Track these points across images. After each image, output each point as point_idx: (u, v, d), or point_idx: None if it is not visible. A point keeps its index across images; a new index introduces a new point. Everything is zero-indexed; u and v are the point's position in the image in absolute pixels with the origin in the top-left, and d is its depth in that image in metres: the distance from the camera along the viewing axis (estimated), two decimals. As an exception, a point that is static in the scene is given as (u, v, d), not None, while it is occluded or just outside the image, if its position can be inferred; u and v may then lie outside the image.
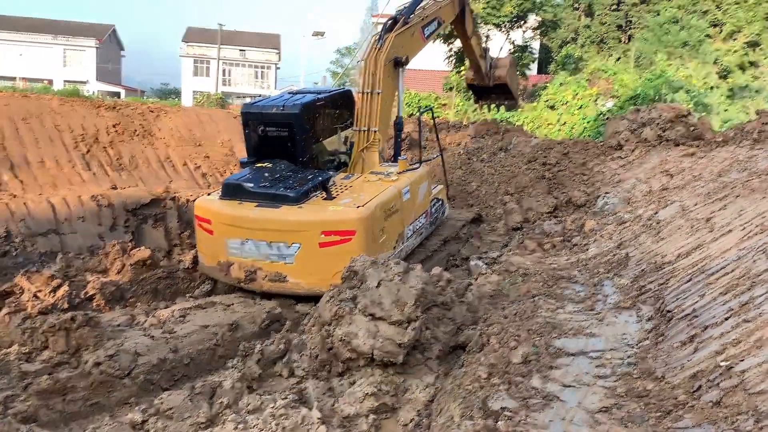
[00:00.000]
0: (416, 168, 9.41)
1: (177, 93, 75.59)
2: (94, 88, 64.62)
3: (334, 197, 7.94)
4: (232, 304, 7.55)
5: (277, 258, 7.72)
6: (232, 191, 8.17)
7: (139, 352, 5.98)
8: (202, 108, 16.19)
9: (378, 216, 7.79)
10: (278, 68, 79.17)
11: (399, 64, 9.75)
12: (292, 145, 8.73)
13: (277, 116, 8.63)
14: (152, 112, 12.00)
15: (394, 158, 9.73)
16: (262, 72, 77.02)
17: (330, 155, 9.59)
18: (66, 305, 7.40)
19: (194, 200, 10.12)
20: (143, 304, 8.00)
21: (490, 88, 15.67)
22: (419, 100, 31.86)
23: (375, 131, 9.30)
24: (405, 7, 10.60)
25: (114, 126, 11.07)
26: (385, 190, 8.21)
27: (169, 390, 5.75)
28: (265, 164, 8.72)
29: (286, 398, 5.15)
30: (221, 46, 61.30)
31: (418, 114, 11.37)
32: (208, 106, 32.19)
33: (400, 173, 8.91)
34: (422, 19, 10.61)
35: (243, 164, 9.14)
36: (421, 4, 10.83)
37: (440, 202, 10.49)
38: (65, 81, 64.43)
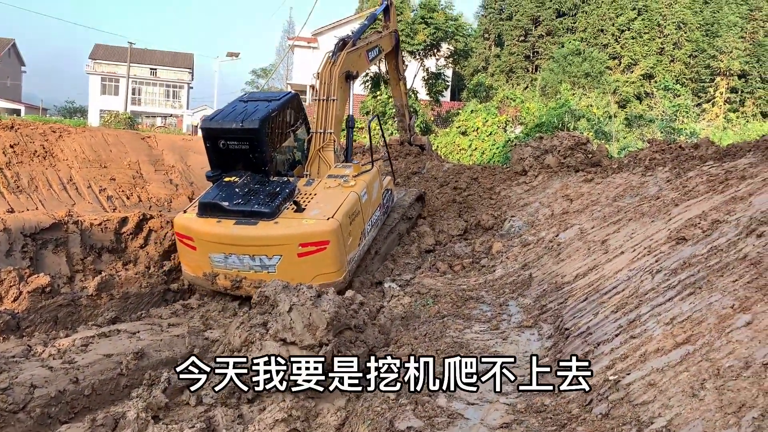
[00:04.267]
0: (369, 170, 10.13)
1: (83, 111, 72.47)
2: (-10, 105, 60.95)
3: (304, 209, 8.57)
4: (138, 332, 7.29)
5: (260, 268, 8.39)
6: (209, 210, 8.62)
7: (36, 384, 5.65)
8: (109, 129, 15.64)
9: (345, 223, 8.53)
10: (191, 87, 77.56)
11: (350, 77, 10.94)
12: (254, 156, 9.29)
13: (237, 131, 9.13)
14: (54, 132, 11.43)
15: (346, 156, 10.59)
16: (174, 91, 75.18)
17: (285, 155, 10.24)
18: (-46, 337, 6.92)
19: (98, 223, 9.80)
20: (42, 333, 7.58)
21: (409, 143, 17.48)
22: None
23: (330, 133, 10.22)
24: (353, 33, 12.12)
25: (12, 146, 10.46)
26: (347, 197, 8.88)
27: (68, 423, 5.51)
28: (233, 178, 9.21)
29: (193, 427, 5.05)
30: (131, 65, 59.42)
31: (368, 120, 12.38)
32: (116, 125, 31.08)
33: (355, 176, 9.56)
34: (367, 44, 12.15)
35: (209, 178, 9.48)
36: (365, 33, 12.40)
37: (389, 192, 11.34)
38: (-42, 97, 60.48)
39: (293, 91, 10.99)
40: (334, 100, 10.37)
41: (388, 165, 13.38)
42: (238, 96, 10.66)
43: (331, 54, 10.92)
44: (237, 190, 8.87)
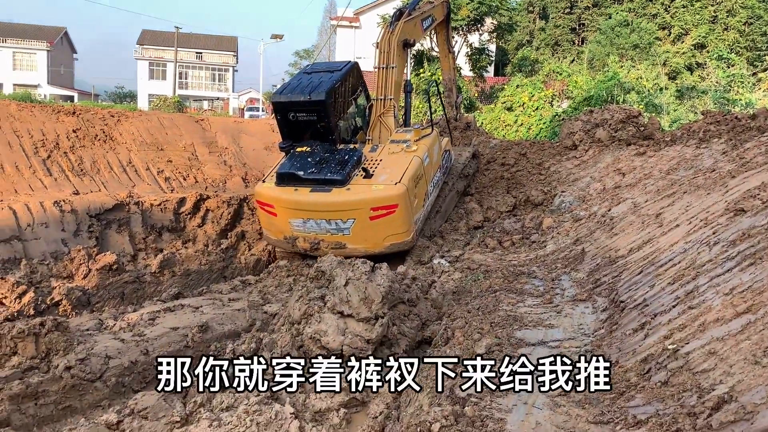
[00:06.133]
0: (429, 134, 10.60)
1: (132, 96, 74.27)
2: (46, 92, 63.06)
3: (372, 174, 9.14)
4: (201, 307, 7.62)
5: (336, 231, 9.11)
6: (286, 179, 9.27)
7: (110, 355, 6.01)
8: (163, 113, 16.09)
9: (411, 187, 9.10)
10: (236, 71, 78.54)
11: (407, 45, 11.42)
12: (321, 125, 9.87)
13: (305, 104, 9.72)
14: (113, 116, 11.87)
15: (405, 121, 11.11)
16: (219, 74, 76.28)
17: (347, 123, 10.72)
18: (32, 311, 7.36)
19: (158, 204, 10.18)
20: (110, 308, 8.00)
21: (455, 119, 17.40)
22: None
23: (390, 99, 10.69)
24: (408, 4, 12.52)
25: (74, 131, 10.93)
26: (411, 162, 9.38)
27: (141, 391, 5.82)
28: (304, 148, 9.80)
29: (259, 395, 5.28)
30: (178, 49, 60.48)
31: (426, 87, 12.70)
32: (165, 109, 31.82)
33: (416, 141, 10.00)
34: (422, 14, 12.51)
35: (282, 148, 10.09)
36: (420, 3, 12.72)
37: (448, 153, 11.81)
38: (15, 85, 62.72)
39: (353, 60, 11.29)
40: (393, 68, 10.80)
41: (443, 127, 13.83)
42: (284, 75, 11.00)
43: (388, 24, 11.34)
44: (309, 159, 9.43)
